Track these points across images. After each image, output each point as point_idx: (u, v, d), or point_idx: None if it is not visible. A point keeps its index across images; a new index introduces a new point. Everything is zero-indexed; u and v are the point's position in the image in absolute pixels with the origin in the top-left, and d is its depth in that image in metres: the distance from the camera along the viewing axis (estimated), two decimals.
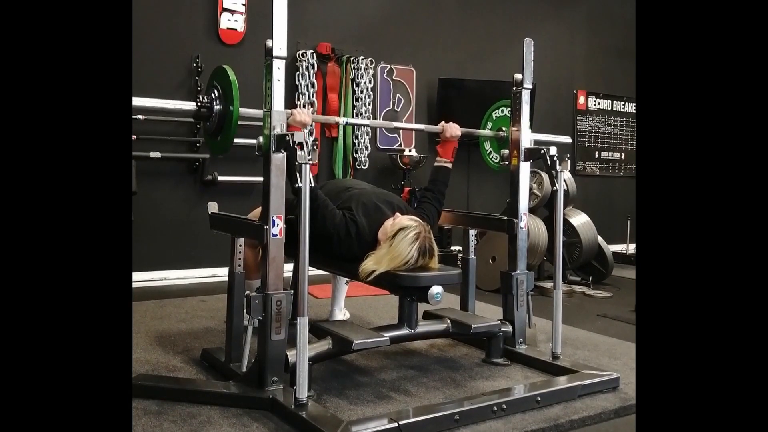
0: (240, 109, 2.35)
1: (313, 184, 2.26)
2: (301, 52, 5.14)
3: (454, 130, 3.09)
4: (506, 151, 3.07)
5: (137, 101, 2.35)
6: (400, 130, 5.71)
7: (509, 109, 3.15)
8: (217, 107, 2.37)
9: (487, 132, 3.34)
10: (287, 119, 2.33)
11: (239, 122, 2.37)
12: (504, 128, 3.26)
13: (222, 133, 2.36)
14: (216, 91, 2.37)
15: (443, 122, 3.13)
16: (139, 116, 4.45)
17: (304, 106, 5.15)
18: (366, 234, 2.66)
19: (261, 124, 2.32)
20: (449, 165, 3.12)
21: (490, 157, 3.41)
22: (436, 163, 3.14)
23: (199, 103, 2.37)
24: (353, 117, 5.39)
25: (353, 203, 2.75)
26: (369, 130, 5.49)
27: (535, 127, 3.27)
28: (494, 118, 3.36)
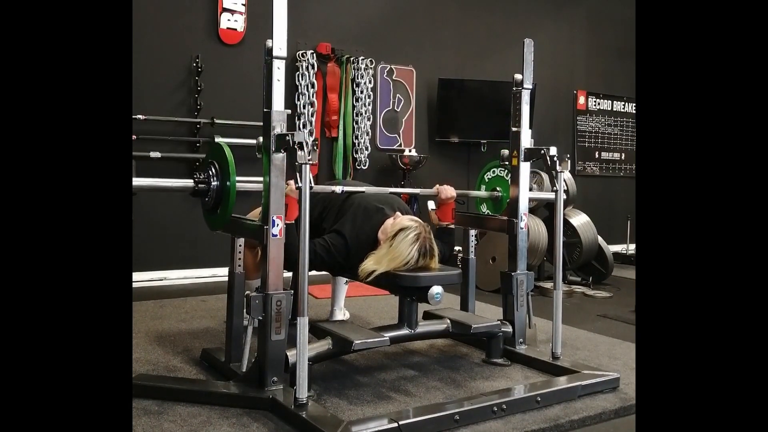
0: (237, 184, 2.38)
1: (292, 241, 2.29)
2: (301, 52, 5.14)
3: (449, 191, 3.05)
4: (506, 151, 3.07)
5: (138, 181, 2.41)
6: (401, 131, 5.71)
7: (500, 169, 3.24)
8: (214, 183, 2.40)
9: (482, 193, 3.39)
10: (285, 190, 2.33)
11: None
12: (498, 188, 3.33)
13: (221, 207, 2.40)
14: (213, 168, 2.41)
15: (437, 185, 3.08)
16: (139, 116, 4.45)
17: (303, 107, 5.15)
18: (356, 242, 2.66)
19: (261, 124, 2.32)
20: (452, 227, 3.06)
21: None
22: (437, 227, 3.05)
23: (196, 179, 2.41)
24: (353, 119, 5.39)
25: (353, 205, 2.76)
26: (369, 130, 5.49)
27: (535, 128, 3.28)
28: (487, 180, 3.40)
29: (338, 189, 2.77)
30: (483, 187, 3.42)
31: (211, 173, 2.42)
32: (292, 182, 2.35)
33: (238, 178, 2.36)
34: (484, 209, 3.45)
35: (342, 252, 2.65)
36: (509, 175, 3.08)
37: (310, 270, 2.17)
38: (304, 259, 2.10)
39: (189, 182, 2.44)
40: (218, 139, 4.26)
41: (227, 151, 2.38)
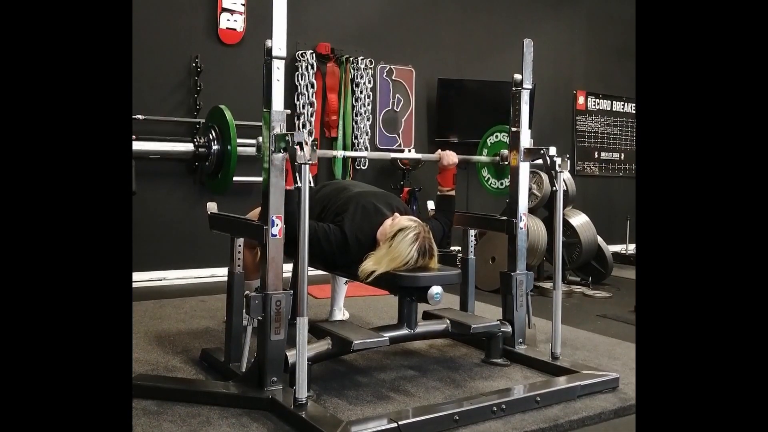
0: (238, 147, 2.35)
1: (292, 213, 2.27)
2: (300, 52, 5.14)
3: (451, 157, 3.04)
4: (506, 152, 3.07)
5: (136, 145, 2.40)
6: (400, 131, 5.71)
7: (504, 134, 3.17)
8: (215, 147, 2.38)
9: (483, 158, 3.36)
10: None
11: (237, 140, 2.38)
12: (502, 151, 3.29)
13: (221, 172, 2.38)
14: (213, 132, 2.38)
15: (440, 150, 3.09)
16: (139, 116, 4.45)
17: (303, 107, 5.15)
18: (355, 241, 2.65)
19: (261, 124, 2.32)
20: (452, 193, 3.07)
21: (489, 183, 3.43)
22: (438, 193, 3.08)
23: (196, 144, 2.39)
24: (353, 119, 5.40)
25: (351, 205, 2.75)
26: (368, 130, 5.49)
27: (534, 128, 3.28)
28: (489, 144, 3.37)
29: (339, 154, 2.77)
30: (485, 151, 3.38)
31: (211, 137, 2.39)
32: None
33: (239, 142, 2.33)
34: (485, 174, 3.42)
35: (340, 246, 2.64)
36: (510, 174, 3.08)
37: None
38: (304, 259, 2.10)
39: (189, 146, 2.41)
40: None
41: (228, 114, 2.34)
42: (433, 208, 3.17)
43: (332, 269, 2.95)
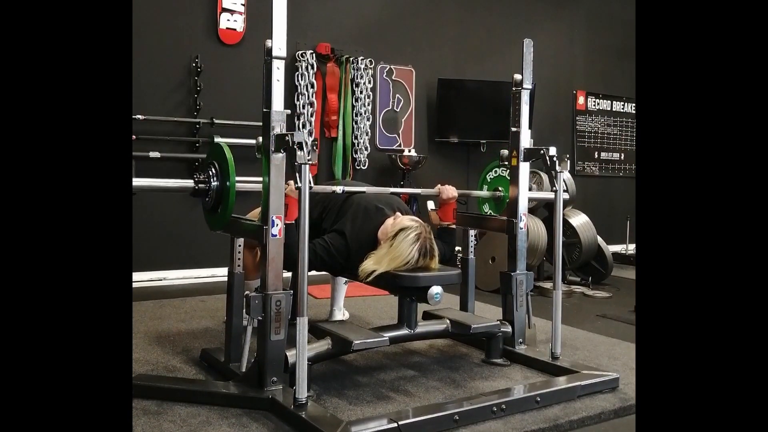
0: (237, 184, 2.38)
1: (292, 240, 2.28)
2: (300, 52, 5.14)
3: (450, 191, 3.04)
4: (506, 152, 3.07)
5: (138, 182, 2.43)
6: (400, 131, 5.71)
7: (503, 169, 3.22)
8: (214, 183, 2.41)
9: (484, 192, 3.38)
10: (285, 190, 2.32)
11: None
12: (501, 188, 3.31)
13: (221, 207, 2.40)
14: (213, 168, 2.41)
15: (439, 185, 3.08)
16: (139, 116, 4.45)
17: (303, 107, 5.15)
18: (356, 243, 2.66)
19: (260, 124, 2.32)
20: (453, 226, 3.05)
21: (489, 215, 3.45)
22: (438, 227, 3.04)
23: (196, 179, 2.42)
24: (353, 119, 5.40)
25: (353, 206, 2.76)
26: (368, 130, 5.49)
27: (534, 128, 3.28)
28: (489, 180, 3.39)
29: (338, 189, 2.77)
30: (485, 187, 3.40)
31: (211, 173, 2.42)
32: (291, 182, 2.35)
33: (238, 179, 2.36)
34: (486, 209, 3.44)
35: (342, 252, 2.65)
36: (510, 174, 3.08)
37: (310, 270, 2.17)
38: (303, 259, 2.10)
39: (189, 182, 2.44)
40: (218, 140, 4.26)
41: (227, 151, 2.38)
42: (434, 208, 3.16)
43: (337, 273, 2.97)
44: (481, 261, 4.17)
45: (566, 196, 4.38)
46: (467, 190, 3.56)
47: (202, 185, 2.42)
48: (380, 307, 3.94)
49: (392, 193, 3.01)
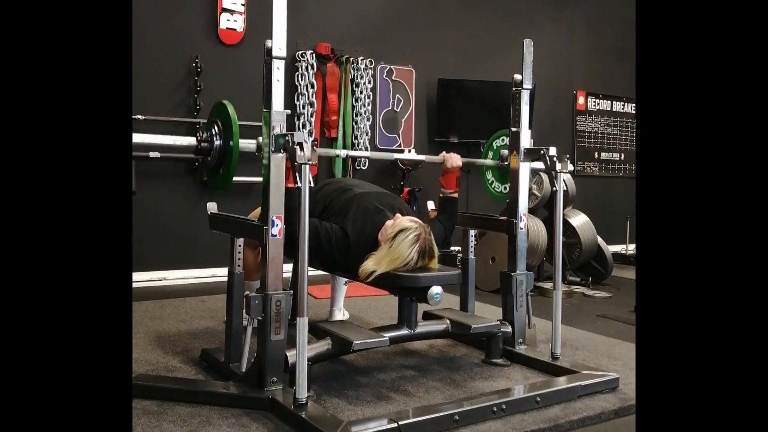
0: (240, 142, 2.35)
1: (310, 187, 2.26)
2: (300, 52, 5.14)
3: (455, 160, 3.04)
4: (506, 152, 3.06)
5: (138, 138, 2.38)
6: (400, 131, 5.71)
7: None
8: (217, 142, 2.38)
9: (488, 161, 3.33)
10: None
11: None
12: (502, 151, 3.27)
13: (223, 168, 2.37)
14: (216, 127, 2.37)
15: (444, 153, 3.09)
16: (139, 116, 4.45)
17: (303, 107, 5.15)
18: (357, 242, 2.65)
19: (261, 124, 2.32)
20: (455, 195, 3.06)
21: (492, 186, 3.41)
22: (441, 195, 3.07)
23: (199, 138, 2.38)
24: (353, 119, 5.40)
25: (353, 206, 2.75)
26: (368, 130, 5.49)
27: (534, 128, 3.28)
28: (495, 147, 3.35)
29: (342, 153, 2.76)
30: (491, 154, 3.36)
31: (214, 132, 2.38)
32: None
33: (240, 140, 2.33)
34: (489, 178, 3.40)
35: (341, 247, 2.63)
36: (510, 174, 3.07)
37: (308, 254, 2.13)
38: (303, 259, 2.10)
39: (192, 140, 2.40)
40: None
41: (231, 109, 2.34)
42: (434, 208, 3.17)
43: (332, 269, 2.94)
44: (481, 261, 4.17)
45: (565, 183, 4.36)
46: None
47: (205, 144, 2.38)
48: (380, 307, 3.94)
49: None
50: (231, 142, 2.30)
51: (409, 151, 5.57)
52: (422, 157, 3.26)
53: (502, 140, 3.31)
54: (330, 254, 2.64)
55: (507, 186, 3.08)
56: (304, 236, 2.10)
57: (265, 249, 2.29)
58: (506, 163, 3.19)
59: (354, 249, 2.64)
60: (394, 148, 5.66)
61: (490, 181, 3.41)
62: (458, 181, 3.08)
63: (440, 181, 3.09)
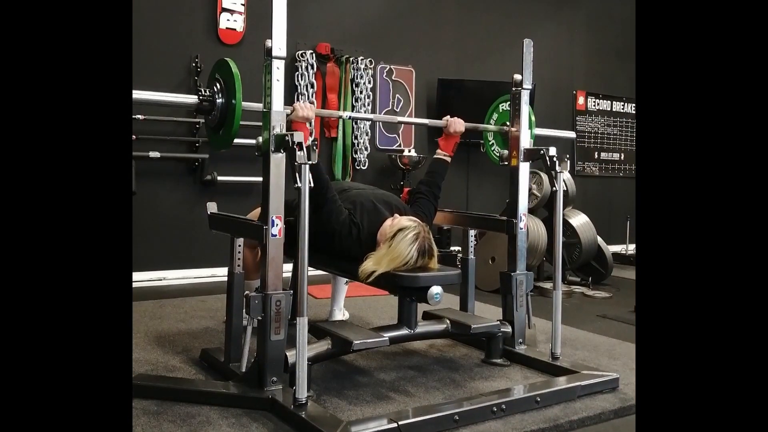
0: (242, 102, 2.33)
1: (323, 179, 2.26)
2: (300, 52, 5.14)
3: (458, 125, 3.08)
4: (506, 152, 3.06)
5: (138, 94, 2.33)
6: (400, 131, 5.71)
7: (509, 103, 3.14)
8: (219, 101, 2.36)
9: (491, 126, 3.30)
10: (289, 115, 2.32)
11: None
12: (507, 123, 3.22)
13: (224, 127, 2.35)
14: (218, 85, 2.35)
15: (448, 117, 3.12)
16: (139, 116, 4.45)
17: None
18: (366, 236, 2.66)
19: (261, 124, 2.32)
20: (448, 159, 3.11)
21: (493, 150, 3.38)
22: (435, 156, 3.14)
23: (200, 97, 2.35)
24: (353, 120, 5.39)
25: (353, 204, 2.75)
26: (369, 130, 5.49)
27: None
28: (501, 110, 3.30)
29: (345, 115, 2.76)
30: (495, 116, 3.34)
31: (216, 89, 2.36)
32: (297, 105, 2.42)
33: (243, 102, 2.32)
34: (492, 143, 3.37)
35: (354, 235, 2.64)
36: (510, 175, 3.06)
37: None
38: (303, 259, 2.10)
39: (193, 98, 2.38)
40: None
41: (233, 66, 2.32)
42: (426, 181, 3.15)
43: (333, 263, 2.89)
44: (481, 261, 4.17)
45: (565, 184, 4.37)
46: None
47: (207, 103, 2.35)
48: (380, 307, 3.94)
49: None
50: (233, 101, 2.28)
51: (409, 151, 5.58)
52: (426, 121, 3.26)
53: (508, 104, 3.24)
54: (336, 234, 2.64)
55: (506, 151, 3.07)
56: (304, 237, 2.10)
57: (265, 249, 2.29)
58: (508, 128, 3.13)
59: (354, 242, 2.64)
60: (394, 148, 5.66)
61: (491, 143, 3.37)
62: (456, 147, 3.13)
63: (438, 142, 3.12)
